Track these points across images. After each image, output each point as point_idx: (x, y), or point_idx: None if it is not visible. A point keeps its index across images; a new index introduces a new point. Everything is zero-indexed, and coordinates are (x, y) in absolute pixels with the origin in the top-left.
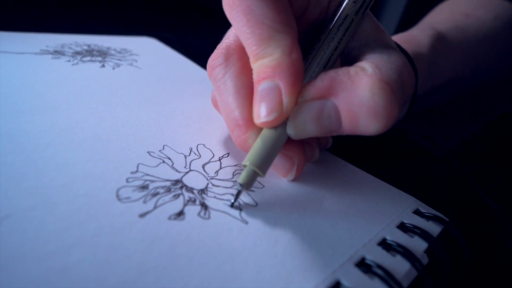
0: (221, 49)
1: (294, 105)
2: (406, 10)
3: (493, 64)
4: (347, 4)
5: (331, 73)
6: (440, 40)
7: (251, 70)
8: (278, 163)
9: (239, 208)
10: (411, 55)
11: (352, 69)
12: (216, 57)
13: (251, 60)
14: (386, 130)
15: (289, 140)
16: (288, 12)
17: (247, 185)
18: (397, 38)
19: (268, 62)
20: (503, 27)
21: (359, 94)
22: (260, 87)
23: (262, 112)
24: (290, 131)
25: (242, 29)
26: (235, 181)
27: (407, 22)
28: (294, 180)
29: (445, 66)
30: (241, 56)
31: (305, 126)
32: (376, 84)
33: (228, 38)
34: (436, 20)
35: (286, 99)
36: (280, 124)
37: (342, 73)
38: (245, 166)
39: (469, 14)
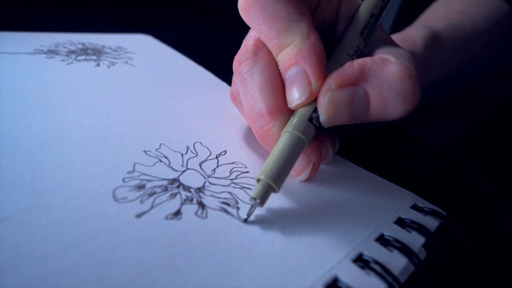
0: (249, 45)
1: (322, 83)
2: (401, 10)
3: (486, 61)
4: (374, 2)
5: (359, 61)
6: (434, 39)
7: (276, 65)
8: None
9: (237, 207)
10: None
11: (377, 58)
12: (244, 52)
13: (275, 53)
14: (408, 113)
15: None
16: (300, 3)
17: (262, 201)
18: (393, 38)
19: (290, 50)
20: (495, 25)
21: (389, 79)
22: (288, 74)
23: (294, 95)
24: (323, 117)
25: (260, 27)
26: (233, 179)
27: (401, 21)
28: (306, 180)
29: (440, 64)
30: (268, 52)
31: (337, 112)
32: (404, 70)
33: (254, 35)
34: (431, 18)
35: (313, 79)
36: (309, 104)
37: (370, 62)
38: (258, 181)
39: (463, 12)
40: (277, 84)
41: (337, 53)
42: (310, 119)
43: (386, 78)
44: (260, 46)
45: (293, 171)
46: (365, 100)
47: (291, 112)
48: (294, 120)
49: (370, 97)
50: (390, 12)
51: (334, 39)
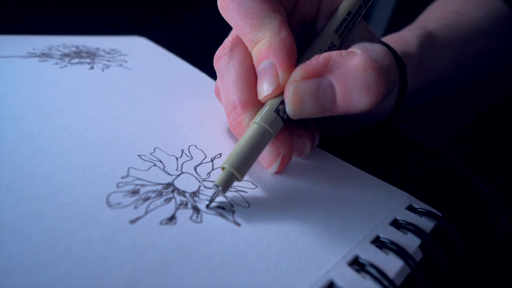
0: (227, 42)
1: (289, 76)
2: (394, 12)
3: (484, 61)
4: (352, 0)
5: (325, 54)
6: (428, 39)
7: (252, 60)
8: (264, 151)
9: (232, 210)
10: (399, 54)
11: (343, 51)
12: (222, 48)
13: (249, 48)
14: (376, 105)
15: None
16: (274, 1)
17: (224, 188)
18: (387, 39)
19: (262, 45)
20: (493, 25)
21: (352, 70)
22: (259, 67)
23: (263, 88)
24: (288, 108)
25: (236, 23)
26: None
27: (395, 23)
28: (278, 173)
29: (435, 64)
30: (244, 47)
31: (303, 103)
32: (367, 61)
33: (233, 33)
34: (426, 19)
35: (280, 72)
36: (277, 96)
37: (336, 54)
38: (222, 168)
39: (459, 12)
40: (251, 78)
41: (310, 49)
42: (277, 111)
43: (350, 69)
44: (237, 42)
45: (264, 163)
46: (331, 92)
47: (262, 105)
48: (262, 112)
49: (335, 88)
50: (384, 14)
51: (314, 36)
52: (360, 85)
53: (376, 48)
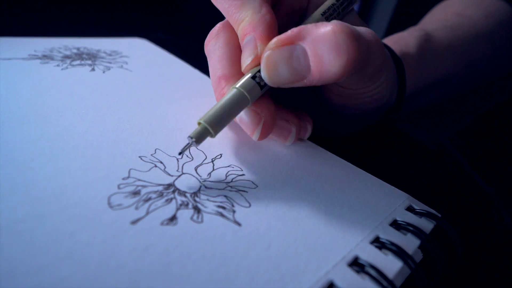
0: (215, 27)
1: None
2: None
3: (486, 62)
4: None
5: (301, 26)
6: (428, 40)
7: (237, 40)
8: (245, 118)
9: (233, 210)
10: (398, 54)
11: (319, 23)
12: (211, 34)
13: (235, 27)
14: (350, 71)
15: (259, 98)
16: None
17: (197, 140)
18: (387, 40)
19: (245, 23)
20: (495, 26)
21: (323, 34)
22: (243, 43)
23: (244, 59)
24: (263, 74)
25: (223, 6)
26: (228, 182)
27: (396, 25)
28: (260, 140)
29: (436, 65)
30: (230, 30)
31: (277, 69)
32: (338, 26)
33: (222, 21)
34: (427, 22)
35: (259, 44)
36: (256, 66)
37: (310, 25)
38: (199, 124)
39: (460, 14)
40: (235, 55)
41: None
42: (254, 78)
43: (320, 34)
44: (224, 26)
45: (247, 130)
46: (304, 58)
47: None
48: (241, 79)
49: (308, 53)
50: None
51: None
52: (329, 48)
53: (359, 27)
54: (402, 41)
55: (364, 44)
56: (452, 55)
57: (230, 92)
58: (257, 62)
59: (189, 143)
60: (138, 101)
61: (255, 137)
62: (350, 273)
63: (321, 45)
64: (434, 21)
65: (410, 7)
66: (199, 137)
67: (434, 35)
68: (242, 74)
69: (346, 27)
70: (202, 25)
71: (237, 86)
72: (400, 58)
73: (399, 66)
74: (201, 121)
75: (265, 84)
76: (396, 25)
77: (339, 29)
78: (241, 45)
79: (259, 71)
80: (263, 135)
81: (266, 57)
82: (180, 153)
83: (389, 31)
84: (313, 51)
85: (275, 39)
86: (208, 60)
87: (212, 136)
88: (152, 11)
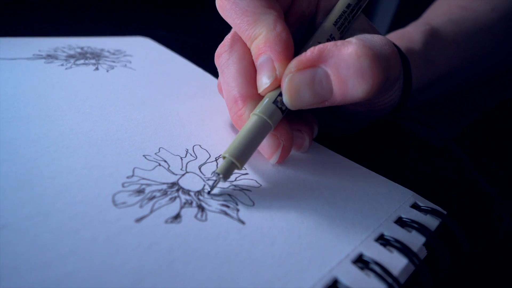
0: (227, 39)
1: (285, 68)
2: (399, 9)
3: (491, 56)
4: None
5: (320, 45)
6: (433, 35)
7: (251, 55)
8: (264, 142)
9: (237, 208)
10: (404, 51)
11: (338, 42)
12: (222, 46)
13: (248, 44)
14: (374, 94)
15: (278, 123)
16: None
17: (224, 176)
18: (391, 36)
19: (259, 41)
20: (500, 19)
21: (346, 58)
22: (258, 62)
23: (262, 81)
24: (285, 98)
25: (234, 21)
26: (232, 181)
27: (400, 20)
28: (279, 163)
29: (441, 60)
30: (243, 44)
31: (299, 93)
32: (361, 49)
33: (233, 30)
34: (431, 15)
35: (277, 65)
36: (275, 88)
37: (330, 45)
38: (223, 158)
39: (465, 7)
40: (250, 73)
41: (308, 42)
42: (276, 103)
43: (343, 58)
44: (236, 39)
45: (265, 154)
46: (326, 81)
47: (262, 98)
48: (261, 104)
49: (331, 77)
50: (388, 11)
51: (313, 31)
52: (354, 73)
53: (375, 38)
54: (406, 37)
55: (385, 63)
56: (457, 50)
57: (251, 120)
58: (276, 85)
59: (216, 179)
60: (142, 100)
61: (273, 161)
62: (355, 270)
63: (345, 70)
64: (438, 14)
65: (413, 2)
66: (226, 173)
67: (439, 30)
68: (258, 95)
69: (369, 50)
70: (205, 23)
71: (259, 113)
72: (406, 56)
73: (404, 63)
74: (226, 155)
75: (286, 108)
76: (399, 20)
77: (363, 53)
78: (256, 63)
79: (279, 94)
80: (282, 159)
81: (288, 81)
82: (209, 192)
83: (393, 26)
84: (337, 76)
85: (295, 61)
86: (220, 74)
87: (239, 168)
88: (155, 10)
